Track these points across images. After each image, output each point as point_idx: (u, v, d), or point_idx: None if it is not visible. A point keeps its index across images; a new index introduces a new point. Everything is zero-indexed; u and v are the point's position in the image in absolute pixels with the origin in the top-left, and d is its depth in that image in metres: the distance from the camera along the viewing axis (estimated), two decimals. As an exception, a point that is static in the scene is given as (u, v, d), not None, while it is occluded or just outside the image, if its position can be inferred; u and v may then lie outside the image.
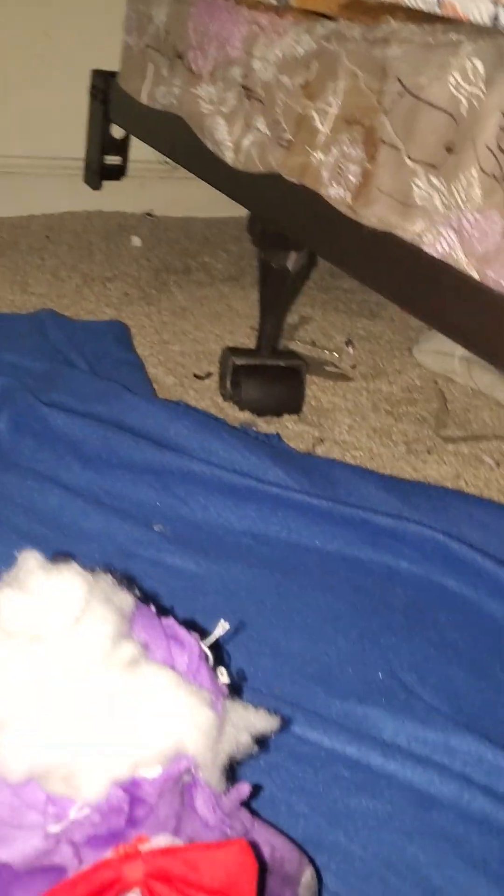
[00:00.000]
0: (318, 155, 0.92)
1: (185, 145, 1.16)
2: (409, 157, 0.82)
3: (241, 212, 1.81)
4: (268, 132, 0.99)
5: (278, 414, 1.17)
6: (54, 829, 0.41)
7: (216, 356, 1.24)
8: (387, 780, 0.68)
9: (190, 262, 1.62)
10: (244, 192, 1.08)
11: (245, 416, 1.16)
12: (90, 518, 0.90)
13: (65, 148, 1.66)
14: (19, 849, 0.41)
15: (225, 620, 0.53)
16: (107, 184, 1.72)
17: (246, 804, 0.55)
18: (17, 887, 0.41)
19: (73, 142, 1.60)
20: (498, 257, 0.74)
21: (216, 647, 0.55)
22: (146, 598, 0.53)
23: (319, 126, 0.91)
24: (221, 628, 0.54)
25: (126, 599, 0.47)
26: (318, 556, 0.93)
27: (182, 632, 0.51)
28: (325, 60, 0.90)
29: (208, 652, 0.52)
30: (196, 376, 1.24)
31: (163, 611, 0.53)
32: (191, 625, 0.53)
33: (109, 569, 0.49)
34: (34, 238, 1.61)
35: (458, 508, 1.00)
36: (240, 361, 1.18)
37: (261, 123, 1.00)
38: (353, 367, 1.33)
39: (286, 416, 1.18)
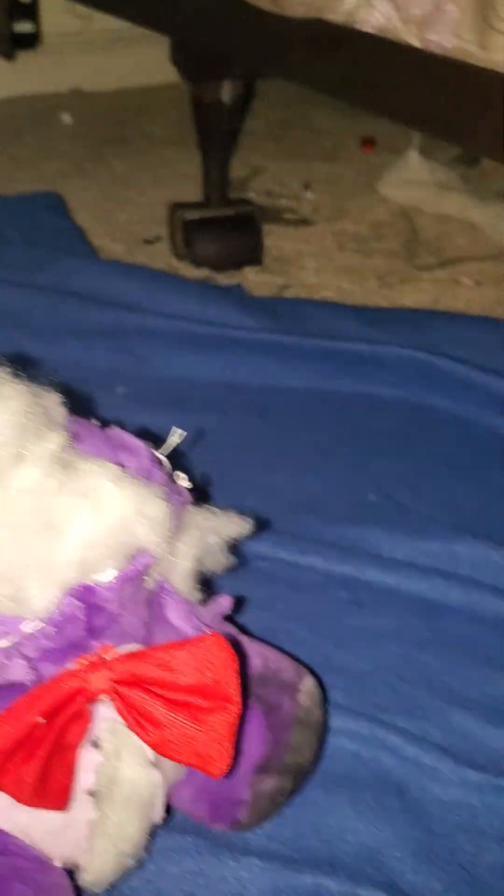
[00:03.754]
0: None
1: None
2: None
3: (176, 77, 1.68)
4: None
5: (238, 266, 1.10)
6: (3, 643, 0.36)
7: (165, 220, 1.16)
8: (388, 594, 0.64)
9: (127, 132, 1.51)
10: (163, 13, 0.98)
11: (203, 273, 1.09)
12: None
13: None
14: (-35, 672, 0.36)
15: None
16: (27, 63, 1.59)
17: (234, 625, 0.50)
18: (-33, 710, 0.37)
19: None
20: (439, 17, 0.66)
21: (176, 460, 0.49)
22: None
23: None
24: (177, 437, 0.48)
25: (54, 400, 0.42)
26: (295, 395, 0.87)
27: (130, 438, 0.46)
28: None
29: (163, 458, 0.47)
30: (146, 241, 1.16)
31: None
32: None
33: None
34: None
35: (440, 329, 0.94)
36: (190, 216, 1.10)
37: None
38: (315, 211, 1.25)
39: (247, 269, 1.10)
